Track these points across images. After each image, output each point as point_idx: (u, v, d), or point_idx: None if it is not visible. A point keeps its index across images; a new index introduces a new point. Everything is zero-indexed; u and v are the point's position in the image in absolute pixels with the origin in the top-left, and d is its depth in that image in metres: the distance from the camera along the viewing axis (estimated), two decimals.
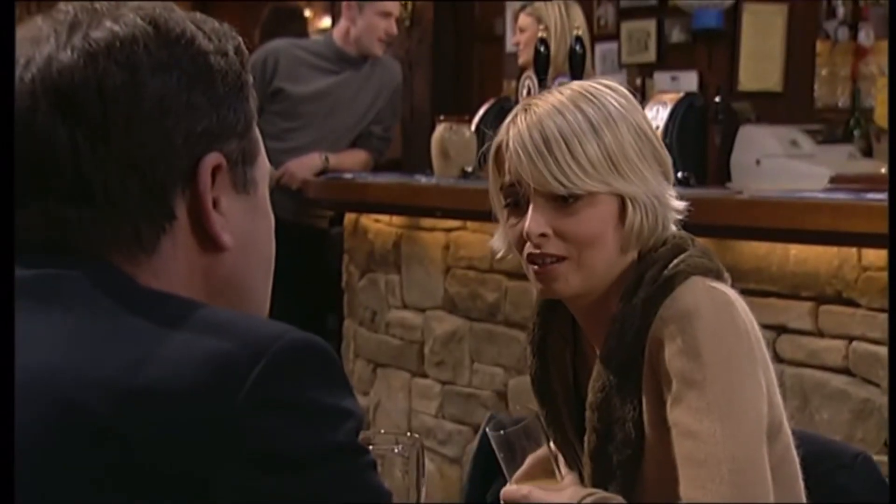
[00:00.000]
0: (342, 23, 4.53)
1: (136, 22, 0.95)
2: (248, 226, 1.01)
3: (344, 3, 4.51)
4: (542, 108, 1.52)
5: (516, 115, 1.55)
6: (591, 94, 1.54)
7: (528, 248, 1.53)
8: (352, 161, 4.52)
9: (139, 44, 0.94)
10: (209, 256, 0.98)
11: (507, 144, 1.53)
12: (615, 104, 1.53)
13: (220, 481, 0.83)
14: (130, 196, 0.94)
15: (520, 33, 4.10)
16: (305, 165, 4.39)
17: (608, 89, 1.56)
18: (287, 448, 0.85)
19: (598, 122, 1.50)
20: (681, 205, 1.57)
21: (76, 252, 0.93)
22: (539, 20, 3.98)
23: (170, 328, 0.88)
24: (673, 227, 1.56)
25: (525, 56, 4.06)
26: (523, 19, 4.09)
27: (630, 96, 1.58)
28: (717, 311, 1.46)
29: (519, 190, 1.53)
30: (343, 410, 0.89)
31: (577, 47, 3.66)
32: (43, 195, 0.93)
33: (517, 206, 1.55)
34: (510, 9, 4.18)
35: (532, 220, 1.51)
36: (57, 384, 0.85)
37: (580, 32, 3.72)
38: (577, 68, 3.61)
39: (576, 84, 1.58)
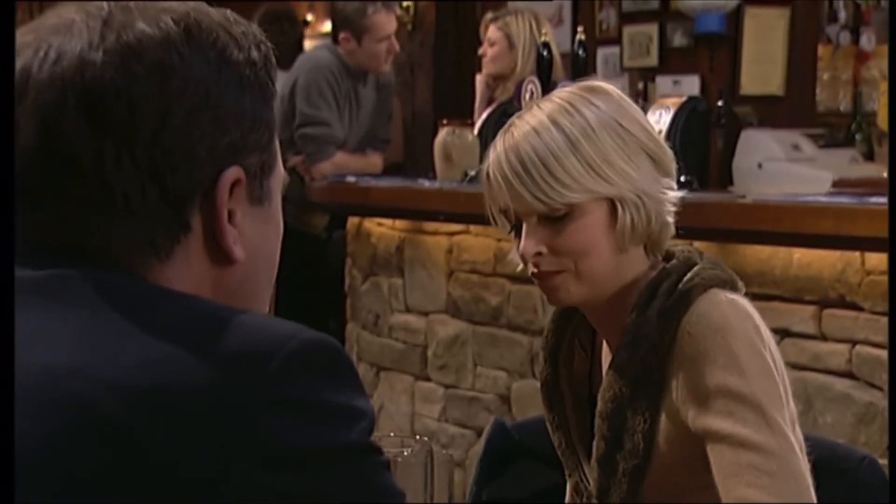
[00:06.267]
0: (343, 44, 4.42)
1: (169, 26, 0.94)
2: (259, 237, 1.01)
3: (341, 35, 4.41)
4: (520, 130, 1.55)
5: (496, 140, 1.58)
6: (571, 105, 1.55)
7: (530, 266, 1.58)
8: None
9: (171, 51, 0.93)
10: (220, 267, 0.98)
11: (489, 172, 1.57)
12: (594, 111, 1.54)
13: (232, 480, 0.83)
14: (148, 205, 0.93)
15: (488, 45, 4.12)
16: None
17: (589, 93, 1.57)
18: (300, 447, 0.85)
19: (575, 136, 1.52)
20: (674, 196, 1.58)
21: (89, 255, 0.93)
22: (508, 36, 4.02)
23: (181, 327, 0.88)
24: (669, 220, 1.56)
25: (491, 68, 4.09)
26: (493, 32, 4.11)
27: (613, 94, 1.58)
28: (745, 324, 1.49)
29: (510, 213, 1.57)
30: (356, 410, 0.89)
31: (545, 53, 3.83)
32: (60, 197, 0.92)
33: (518, 227, 1.58)
34: (484, 20, 4.23)
35: (525, 243, 1.55)
36: (65, 383, 0.84)
37: (548, 39, 3.89)
38: (546, 72, 3.81)
39: (560, 94, 1.59)
